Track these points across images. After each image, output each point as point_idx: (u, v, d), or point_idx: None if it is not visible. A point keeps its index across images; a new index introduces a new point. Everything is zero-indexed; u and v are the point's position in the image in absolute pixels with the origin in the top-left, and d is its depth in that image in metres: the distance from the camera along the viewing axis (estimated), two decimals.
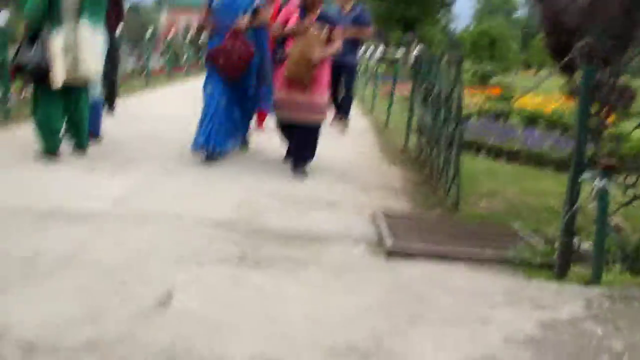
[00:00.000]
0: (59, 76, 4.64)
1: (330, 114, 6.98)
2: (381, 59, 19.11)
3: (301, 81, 4.90)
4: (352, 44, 7.53)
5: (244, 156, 5.70)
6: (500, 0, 71.96)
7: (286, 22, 5.22)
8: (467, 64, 25.65)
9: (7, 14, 6.53)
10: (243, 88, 5.36)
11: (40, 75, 4.66)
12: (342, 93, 7.88)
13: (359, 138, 7.52)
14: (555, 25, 5.44)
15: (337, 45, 5.13)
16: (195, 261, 2.98)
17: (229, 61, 5.13)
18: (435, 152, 5.22)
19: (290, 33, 5.13)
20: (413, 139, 6.61)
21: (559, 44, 5.29)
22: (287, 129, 5.21)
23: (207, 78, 5.38)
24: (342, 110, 7.90)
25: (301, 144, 5.13)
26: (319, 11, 5.07)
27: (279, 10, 6.24)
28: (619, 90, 5.84)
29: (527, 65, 45.85)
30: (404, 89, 9.77)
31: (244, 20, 5.16)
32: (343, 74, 7.59)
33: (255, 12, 5.29)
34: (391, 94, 9.09)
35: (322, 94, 5.10)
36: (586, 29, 4.90)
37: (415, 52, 7.91)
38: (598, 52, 4.89)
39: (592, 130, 5.21)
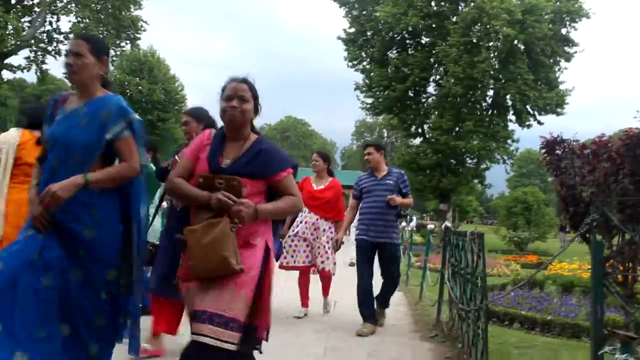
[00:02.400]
0: None
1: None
2: (417, 229, 19.46)
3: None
4: (394, 217, 6.25)
5: None
6: (535, 165, 73.61)
7: (195, 163, 2.91)
8: (502, 231, 25.87)
9: None
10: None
11: None
12: (383, 279, 6.46)
13: (392, 312, 7.54)
14: (571, 198, 5.64)
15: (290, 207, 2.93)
16: None
17: None
18: (465, 326, 5.24)
19: (187, 201, 2.89)
20: (446, 311, 6.65)
21: (576, 215, 5.45)
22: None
23: None
24: (382, 299, 6.45)
25: None
26: (249, 142, 2.91)
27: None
28: None
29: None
30: (438, 260, 9.90)
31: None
32: (383, 257, 6.29)
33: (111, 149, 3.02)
34: (424, 266, 9.21)
35: (242, 300, 2.67)
36: (600, 201, 5.08)
37: (445, 224, 8.16)
38: (610, 224, 5.04)
39: (621, 297, 5.21)
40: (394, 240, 6.28)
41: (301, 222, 6.77)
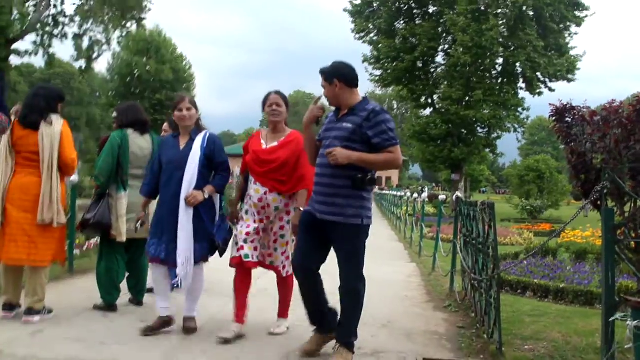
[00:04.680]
0: (122, 234, 5.10)
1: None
2: (429, 200, 19.33)
3: None
4: (348, 180, 3.74)
5: None
6: (546, 133, 73.05)
7: None
8: (515, 200, 25.79)
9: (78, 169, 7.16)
10: None
11: (101, 231, 5.13)
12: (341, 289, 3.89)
13: (405, 282, 7.60)
14: (582, 165, 5.60)
15: None
16: None
17: None
18: (477, 296, 5.28)
19: None
20: (459, 281, 6.69)
21: (587, 182, 5.42)
22: None
23: None
24: (340, 328, 3.93)
25: None
26: None
27: None
28: None
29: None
30: (451, 230, 9.92)
31: None
32: (334, 245, 3.90)
33: None
34: (436, 237, 9.24)
35: None
36: (611, 168, 5.07)
37: (456, 194, 8.14)
38: (622, 191, 5.02)
39: (633, 264, 5.20)
40: (348, 220, 3.77)
41: (248, 196, 4.50)
